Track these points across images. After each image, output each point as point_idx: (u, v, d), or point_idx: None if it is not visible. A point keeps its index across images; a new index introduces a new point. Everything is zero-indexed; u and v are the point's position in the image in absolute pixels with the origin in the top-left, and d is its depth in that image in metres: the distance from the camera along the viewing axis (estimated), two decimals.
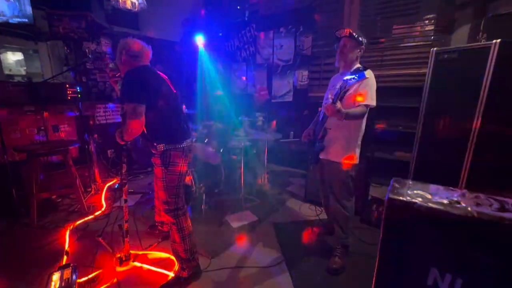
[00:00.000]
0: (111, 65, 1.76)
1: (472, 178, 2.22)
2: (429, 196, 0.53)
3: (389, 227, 0.55)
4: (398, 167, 3.08)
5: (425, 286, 0.53)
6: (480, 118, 2.15)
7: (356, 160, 1.86)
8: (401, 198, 0.53)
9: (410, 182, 0.59)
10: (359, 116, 1.74)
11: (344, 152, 1.84)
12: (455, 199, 0.50)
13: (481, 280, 0.46)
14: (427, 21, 3.18)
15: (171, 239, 1.77)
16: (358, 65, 1.84)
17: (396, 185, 0.57)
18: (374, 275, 0.57)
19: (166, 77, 1.77)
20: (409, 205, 0.51)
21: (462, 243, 0.47)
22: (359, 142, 1.88)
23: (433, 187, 0.56)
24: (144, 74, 1.59)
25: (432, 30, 3.15)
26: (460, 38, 2.94)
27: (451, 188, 0.56)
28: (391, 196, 0.54)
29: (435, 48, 2.47)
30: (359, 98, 1.72)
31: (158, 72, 1.72)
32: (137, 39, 1.72)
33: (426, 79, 2.55)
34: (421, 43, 3.22)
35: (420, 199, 0.52)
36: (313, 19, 3.84)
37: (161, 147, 1.65)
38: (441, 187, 0.56)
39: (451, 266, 0.50)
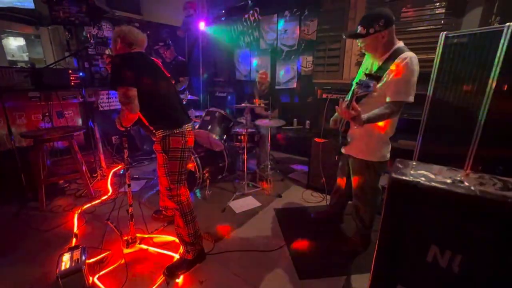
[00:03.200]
0: (107, 51, 1.75)
1: (477, 167, 2.19)
2: (432, 176, 0.53)
3: (390, 206, 0.55)
4: (402, 155, 3.05)
5: (424, 262, 0.54)
6: (488, 105, 2.10)
7: (383, 158, 1.67)
8: (404, 177, 0.53)
9: (414, 163, 0.59)
10: (389, 117, 1.46)
11: (369, 150, 1.66)
12: (459, 178, 0.50)
13: (480, 257, 0.47)
14: (437, 4, 3.06)
15: (175, 223, 1.81)
16: (396, 45, 1.51)
17: (399, 165, 0.57)
18: (375, 252, 0.58)
19: (160, 63, 1.77)
20: (412, 184, 0.50)
21: (463, 220, 0.48)
22: (387, 139, 1.67)
23: (436, 167, 0.55)
24: (132, 58, 1.57)
25: (442, 13, 3.04)
26: (471, 21, 2.84)
27: (454, 169, 0.56)
28: (394, 175, 0.54)
29: (444, 32, 2.39)
30: (387, 94, 1.44)
31: (152, 58, 1.71)
32: (132, 26, 1.70)
33: (434, 64, 2.48)
34: (431, 27, 3.11)
35: (423, 178, 0.52)
36: (318, 2, 3.72)
37: (159, 133, 1.66)
38: (444, 168, 0.55)
39: (451, 243, 0.51)
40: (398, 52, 1.48)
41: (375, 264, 0.58)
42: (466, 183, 0.49)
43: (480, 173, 0.52)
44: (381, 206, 1.75)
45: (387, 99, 1.46)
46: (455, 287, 0.49)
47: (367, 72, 1.63)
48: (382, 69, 1.51)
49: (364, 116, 1.39)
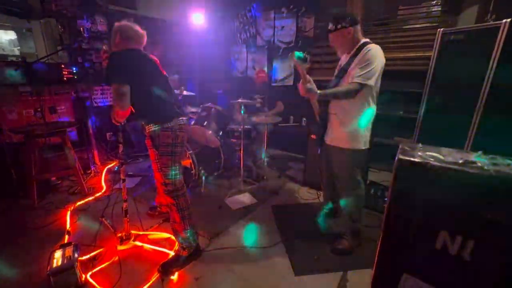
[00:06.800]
0: (105, 47, 1.76)
1: None
2: (442, 157, 0.51)
3: (397, 189, 0.53)
4: (395, 152, 3.06)
5: (433, 250, 0.51)
6: (484, 103, 2.10)
7: (362, 146, 1.72)
8: (412, 159, 0.51)
9: (420, 145, 0.57)
10: (344, 95, 1.60)
11: (347, 138, 1.72)
12: (471, 159, 0.48)
13: (494, 241, 0.46)
14: (434, 2, 3.07)
15: (171, 219, 1.78)
16: (361, 41, 1.68)
17: (406, 147, 0.54)
18: (379, 240, 0.56)
19: (157, 60, 1.75)
20: (421, 165, 0.48)
21: (477, 203, 0.46)
22: (366, 127, 1.74)
23: (445, 149, 0.53)
24: (128, 56, 1.57)
25: (439, 11, 3.05)
26: (467, 19, 2.85)
27: (465, 150, 0.54)
28: (401, 157, 0.51)
29: (441, 29, 2.39)
30: (352, 75, 1.60)
31: (150, 55, 1.71)
32: (132, 22, 1.70)
33: (431, 61, 2.48)
34: (427, 24, 3.12)
35: (432, 159, 0.50)
36: None
37: (149, 127, 1.66)
38: (453, 150, 0.54)
39: (463, 227, 0.48)
40: (363, 45, 1.64)
41: (379, 251, 0.55)
42: (479, 164, 0.47)
43: (492, 155, 0.50)
44: (366, 200, 1.77)
45: (351, 79, 1.60)
46: (465, 276, 0.47)
47: (340, 68, 1.79)
48: (350, 62, 1.67)
49: (319, 91, 1.56)
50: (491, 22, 2.20)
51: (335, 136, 1.80)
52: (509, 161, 0.47)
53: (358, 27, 1.67)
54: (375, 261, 0.56)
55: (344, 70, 1.69)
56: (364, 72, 1.55)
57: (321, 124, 1.87)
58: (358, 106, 1.67)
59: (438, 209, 0.50)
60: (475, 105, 2.14)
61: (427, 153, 0.51)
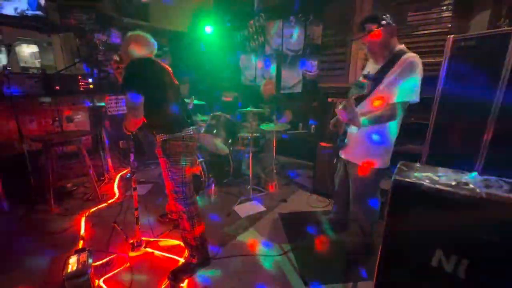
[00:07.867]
0: (115, 57, 1.82)
1: (487, 172, 2.13)
2: (436, 178, 0.52)
3: (394, 209, 0.54)
4: (408, 159, 2.99)
5: (429, 268, 0.52)
6: (498, 109, 2.05)
7: (384, 165, 1.61)
8: (407, 179, 0.51)
9: (418, 165, 0.58)
10: (386, 120, 1.45)
11: (367, 155, 1.60)
12: (464, 180, 0.49)
13: (487, 261, 0.46)
14: (444, 7, 3.04)
15: (181, 227, 1.81)
16: (397, 48, 1.50)
17: (403, 168, 0.55)
18: (378, 257, 0.57)
19: (170, 69, 1.80)
20: (416, 186, 0.50)
21: (469, 224, 0.46)
22: (389, 145, 1.60)
23: (441, 170, 0.54)
24: (144, 65, 1.62)
25: (449, 16, 3.01)
26: (479, 25, 2.80)
27: (460, 171, 0.54)
28: (397, 178, 0.53)
29: (452, 36, 2.36)
30: (388, 95, 1.42)
31: (162, 64, 1.75)
32: (143, 32, 1.76)
33: (442, 68, 2.44)
34: (438, 30, 3.09)
35: (427, 181, 0.51)
36: (323, 7, 3.74)
37: (160, 137, 1.69)
38: (450, 170, 0.54)
39: (457, 247, 0.49)
40: (400, 53, 1.48)
41: (378, 270, 0.56)
42: (472, 185, 0.48)
43: (487, 176, 0.50)
44: (382, 211, 1.69)
45: (390, 101, 1.45)
46: None
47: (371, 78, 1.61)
48: (383, 71, 1.51)
49: (362, 117, 1.39)
50: (505, 28, 2.16)
51: (352, 151, 1.70)
52: (502, 183, 0.46)
53: (395, 29, 1.49)
54: (374, 278, 0.56)
55: (376, 82, 1.51)
56: (408, 89, 1.40)
57: (341, 135, 1.74)
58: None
59: (433, 229, 0.50)
60: (489, 112, 2.08)
61: (423, 174, 0.52)
